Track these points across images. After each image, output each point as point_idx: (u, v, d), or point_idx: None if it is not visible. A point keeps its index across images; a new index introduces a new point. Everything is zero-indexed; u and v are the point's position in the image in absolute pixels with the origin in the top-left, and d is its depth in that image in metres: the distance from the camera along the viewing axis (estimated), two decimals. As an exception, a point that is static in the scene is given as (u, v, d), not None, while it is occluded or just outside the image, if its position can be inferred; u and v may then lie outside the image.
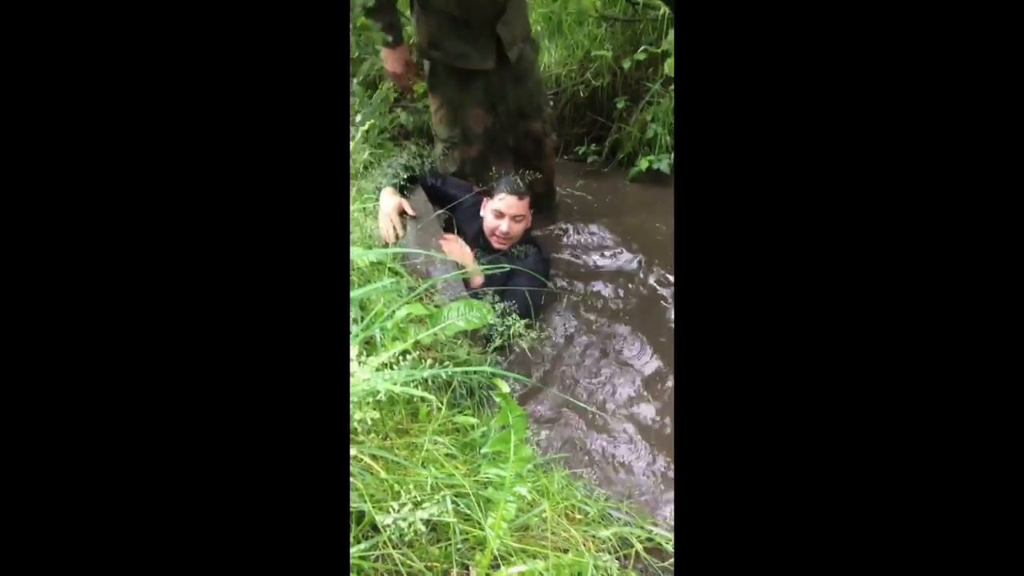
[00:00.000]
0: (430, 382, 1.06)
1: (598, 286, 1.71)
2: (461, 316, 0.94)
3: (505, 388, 0.72)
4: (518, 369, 1.28)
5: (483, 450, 0.73)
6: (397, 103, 2.19)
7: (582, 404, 1.24)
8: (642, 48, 2.14)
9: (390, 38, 1.55)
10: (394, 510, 0.55)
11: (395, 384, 0.62)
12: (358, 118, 1.49)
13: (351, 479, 0.65)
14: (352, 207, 1.30)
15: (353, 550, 0.54)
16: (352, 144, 1.41)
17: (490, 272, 1.45)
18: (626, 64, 2.20)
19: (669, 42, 1.98)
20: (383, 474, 0.66)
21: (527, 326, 1.05)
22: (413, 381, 0.81)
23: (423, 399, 0.82)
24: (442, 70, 1.64)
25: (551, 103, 2.35)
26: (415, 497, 0.56)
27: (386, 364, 0.88)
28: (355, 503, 0.63)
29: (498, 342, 1.07)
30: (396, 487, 0.60)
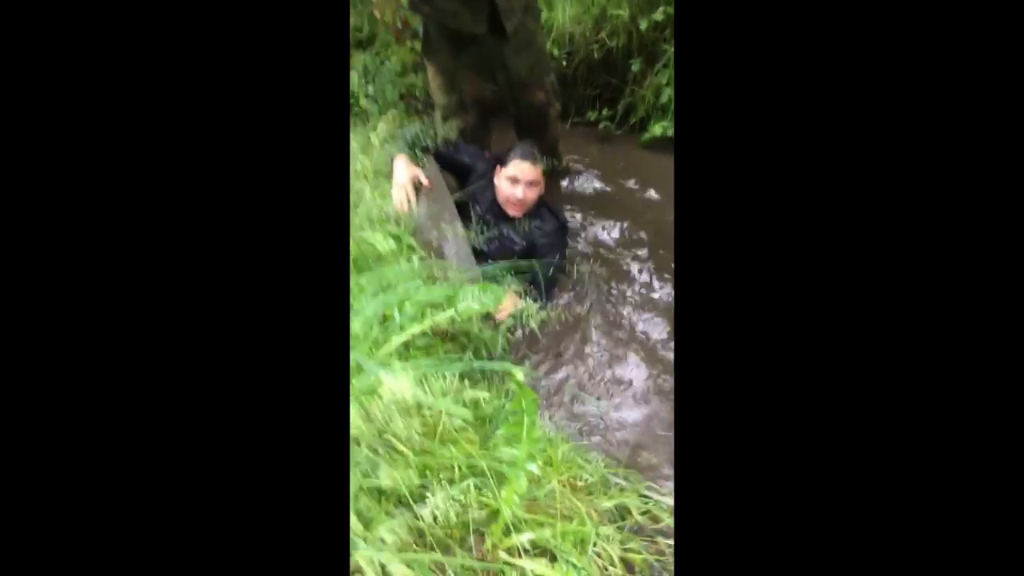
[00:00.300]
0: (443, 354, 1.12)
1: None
2: (476, 299, 0.98)
3: (520, 376, 0.77)
4: (528, 346, 1.34)
5: (498, 431, 0.80)
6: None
7: (589, 397, 1.31)
8: (661, 8, 2.07)
9: None
10: (430, 500, 0.61)
11: (420, 386, 0.67)
12: (370, 88, 1.48)
13: (378, 458, 0.72)
14: (367, 183, 1.31)
15: (383, 526, 0.61)
16: (372, 123, 1.41)
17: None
18: (643, 25, 2.14)
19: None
20: (411, 456, 0.72)
21: (541, 307, 1.10)
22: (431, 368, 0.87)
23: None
24: (435, 34, 1.61)
25: (564, 61, 2.30)
26: (444, 485, 0.63)
27: (406, 344, 0.93)
28: (378, 481, 0.69)
29: (509, 323, 1.12)
30: (425, 470, 0.67)
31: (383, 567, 0.61)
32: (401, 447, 0.72)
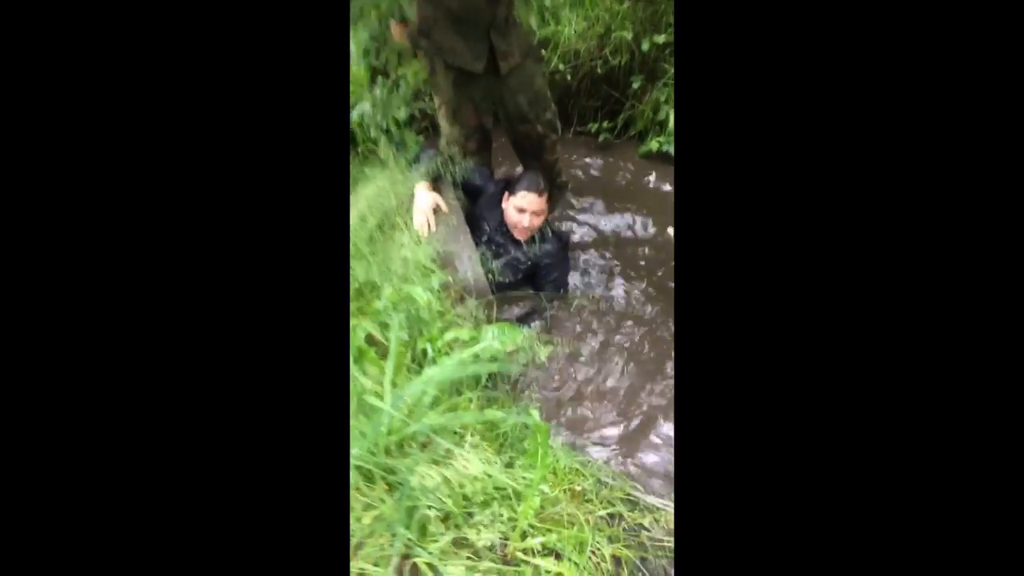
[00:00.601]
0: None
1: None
2: (496, 338, 1.16)
3: (535, 414, 0.96)
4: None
5: (518, 462, 1.00)
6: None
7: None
8: (663, 33, 2.19)
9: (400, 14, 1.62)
10: (483, 527, 0.81)
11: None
12: (378, 117, 1.60)
13: (414, 478, 0.91)
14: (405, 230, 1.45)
15: (437, 543, 0.80)
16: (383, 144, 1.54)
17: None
18: (645, 46, 2.25)
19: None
20: (448, 475, 0.92)
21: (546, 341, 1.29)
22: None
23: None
24: (440, 68, 1.73)
25: (568, 75, 2.42)
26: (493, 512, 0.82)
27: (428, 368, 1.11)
28: (417, 499, 0.89)
29: (521, 357, 1.30)
30: (464, 493, 0.87)
31: (435, 568, 0.82)
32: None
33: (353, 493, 0.81)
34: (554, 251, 1.78)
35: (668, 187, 2.26)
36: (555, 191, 2.18)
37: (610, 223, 2.15)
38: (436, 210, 1.72)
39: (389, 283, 1.16)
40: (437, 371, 0.95)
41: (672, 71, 2.24)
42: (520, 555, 0.95)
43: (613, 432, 1.39)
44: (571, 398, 1.42)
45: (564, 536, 0.99)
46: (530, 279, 1.78)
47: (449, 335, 1.14)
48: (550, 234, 1.83)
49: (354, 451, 0.81)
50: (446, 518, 0.85)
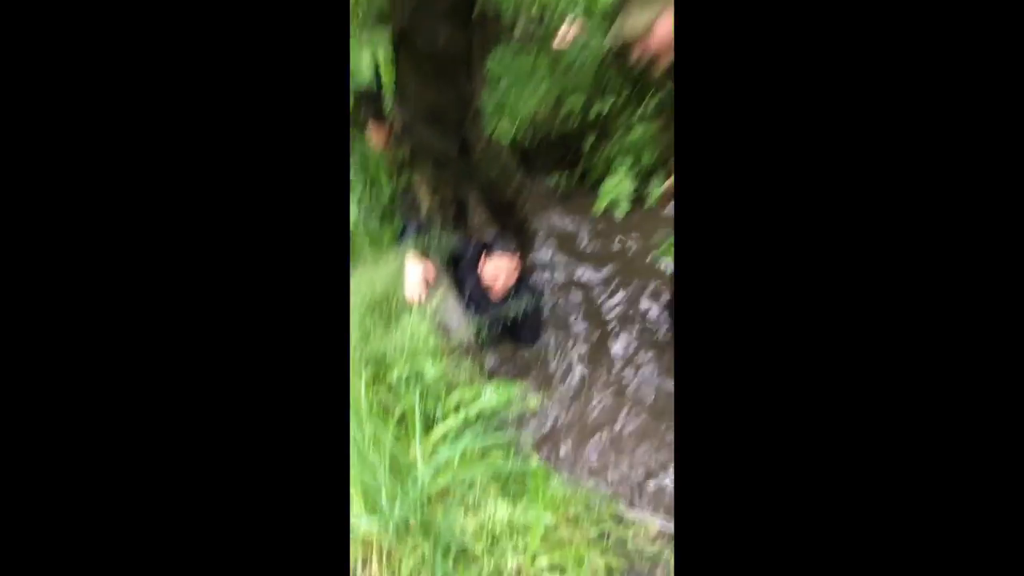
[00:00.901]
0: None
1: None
2: (494, 395, 1.41)
3: (535, 461, 1.21)
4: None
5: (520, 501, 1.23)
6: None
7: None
8: (610, 100, 2.52)
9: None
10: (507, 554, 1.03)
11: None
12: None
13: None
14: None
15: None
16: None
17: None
18: (594, 111, 2.57)
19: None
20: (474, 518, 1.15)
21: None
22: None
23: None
24: (419, 154, 2.02)
25: (527, 142, 2.71)
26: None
27: (444, 434, 1.35)
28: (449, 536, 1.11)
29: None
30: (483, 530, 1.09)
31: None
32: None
33: (399, 544, 1.02)
34: (528, 307, 2.03)
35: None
36: (527, 241, 2.46)
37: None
38: (427, 279, 1.96)
39: (400, 356, 1.39)
40: (468, 439, 1.20)
41: (620, 131, 2.56)
42: (532, 575, 1.18)
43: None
44: (561, 433, 1.67)
45: (565, 554, 1.23)
46: (510, 333, 2.03)
47: (455, 397, 1.38)
48: (524, 288, 2.09)
49: (396, 510, 1.03)
50: (473, 552, 1.08)
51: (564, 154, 2.79)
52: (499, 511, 1.07)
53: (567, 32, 1.85)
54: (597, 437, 1.69)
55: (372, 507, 1.03)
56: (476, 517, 1.08)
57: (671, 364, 1.88)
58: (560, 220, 2.66)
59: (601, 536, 1.39)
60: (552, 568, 1.21)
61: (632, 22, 1.27)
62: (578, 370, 1.94)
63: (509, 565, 1.07)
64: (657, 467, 1.61)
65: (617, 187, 2.58)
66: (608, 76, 2.57)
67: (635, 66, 1.65)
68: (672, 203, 2.20)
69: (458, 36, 1.70)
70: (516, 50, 2.60)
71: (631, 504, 1.56)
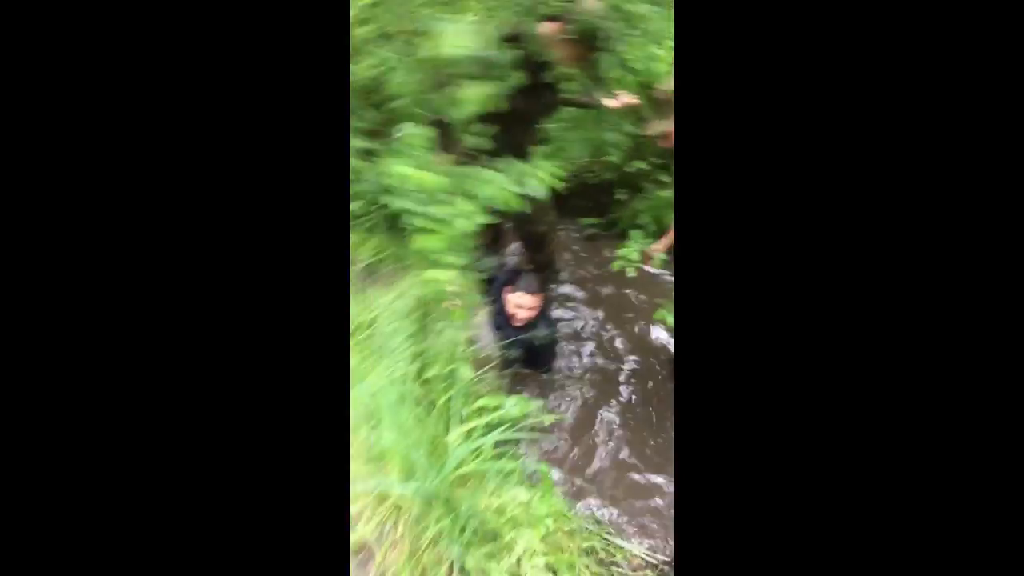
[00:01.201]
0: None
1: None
2: (513, 406, 1.56)
3: (545, 469, 1.36)
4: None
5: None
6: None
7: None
8: (646, 160, 2.75)
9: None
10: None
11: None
12: None
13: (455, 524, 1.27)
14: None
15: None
16: None
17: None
18: (634, 165, 2.80)
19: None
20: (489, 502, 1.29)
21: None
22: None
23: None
24: None
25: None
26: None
27: (470, 431, 1.50)
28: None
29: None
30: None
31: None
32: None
33: (425, 515, 1.17)
34: (544, 337, 2.19)
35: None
36: (551, 275, 2.64)
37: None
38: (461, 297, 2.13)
39: (440, 357, 1.56)
40: (494, 435, 1.36)
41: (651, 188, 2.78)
42: (530, 570, 1.31)
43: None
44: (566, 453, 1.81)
45: (560, 559, 1.36)
46: (526, 357, 2.18)
47: (480, 402, 1.54)
48: (543, 320, 2.25)
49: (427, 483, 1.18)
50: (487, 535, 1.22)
51: (597, 202, 3.01)
52: (518, 495, 1.21)
53: (622, 98, 2.09)
54: (596, 463, 1.84)
55: (407, 477, 1.18)
56: (497, 499, 1.22)
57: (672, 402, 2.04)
58: (582, 262, 2.85)
59: (590, 552, 1.51)
60: (547, 568, 1.34)
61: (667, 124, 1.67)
62: (580, 399, 2.09)
63: (517, 548, 1.21)
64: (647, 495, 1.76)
65: (629, 253, 2.79)
66: (648, 145, 2.81)
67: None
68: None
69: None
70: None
71: (620, 532, 1.70)
